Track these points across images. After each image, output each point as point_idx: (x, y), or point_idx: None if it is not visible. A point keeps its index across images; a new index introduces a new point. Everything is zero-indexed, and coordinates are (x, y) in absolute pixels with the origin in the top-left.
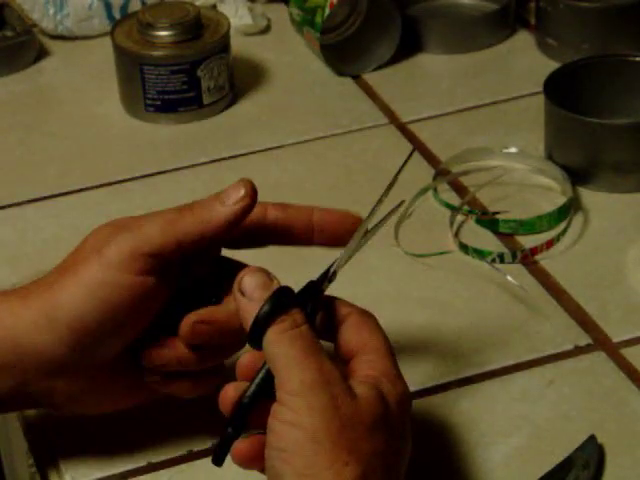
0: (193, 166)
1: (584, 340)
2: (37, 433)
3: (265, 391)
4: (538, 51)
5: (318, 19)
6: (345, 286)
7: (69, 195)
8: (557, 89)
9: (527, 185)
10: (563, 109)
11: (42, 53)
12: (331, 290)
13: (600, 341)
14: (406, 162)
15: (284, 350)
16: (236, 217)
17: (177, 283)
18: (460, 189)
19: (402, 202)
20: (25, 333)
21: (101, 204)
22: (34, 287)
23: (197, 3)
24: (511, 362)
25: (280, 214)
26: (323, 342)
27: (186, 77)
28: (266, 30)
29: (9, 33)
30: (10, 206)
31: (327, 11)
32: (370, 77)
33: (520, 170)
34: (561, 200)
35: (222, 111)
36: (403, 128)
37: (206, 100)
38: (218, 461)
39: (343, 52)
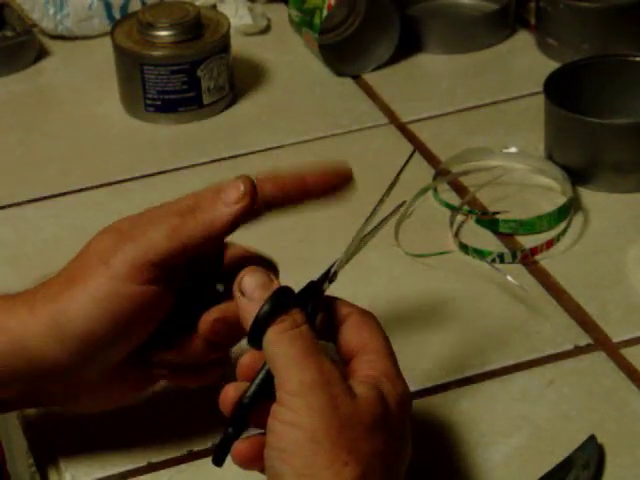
0: (193, 166)
1: (584, 340)
2: (37, 432)
3: (265, 391)
4: (538, 51)
5: (316, 20)
6: (345, 286)
7: (69, 195)
8: (557, 89)
9: (527, 185)
10: (563, 109)
11: (42, 53)
12: (331, 290)
13: (600, 341)
14: (407, 163)
15: (284, 350)
16: (238, 217)
17: (182, 284)
18: (460, 189)
19: (403, 202)
20: (34, 342)
21: (101, 204)
22: (41, 295)
23: (197, 3)
24: (511, 362)
25: (275, 189)
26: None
27: (186, 77)
28: (266, 30)
29: (9, 33)
30: (10, 206)
31: (325, 12)
32: (370, 77)
33: (520, 170)
34: (561, 200)
35: (222, 111)
36: (403, 128)
37: (206, 100)
38: (218, 461)
39: (342, 52)
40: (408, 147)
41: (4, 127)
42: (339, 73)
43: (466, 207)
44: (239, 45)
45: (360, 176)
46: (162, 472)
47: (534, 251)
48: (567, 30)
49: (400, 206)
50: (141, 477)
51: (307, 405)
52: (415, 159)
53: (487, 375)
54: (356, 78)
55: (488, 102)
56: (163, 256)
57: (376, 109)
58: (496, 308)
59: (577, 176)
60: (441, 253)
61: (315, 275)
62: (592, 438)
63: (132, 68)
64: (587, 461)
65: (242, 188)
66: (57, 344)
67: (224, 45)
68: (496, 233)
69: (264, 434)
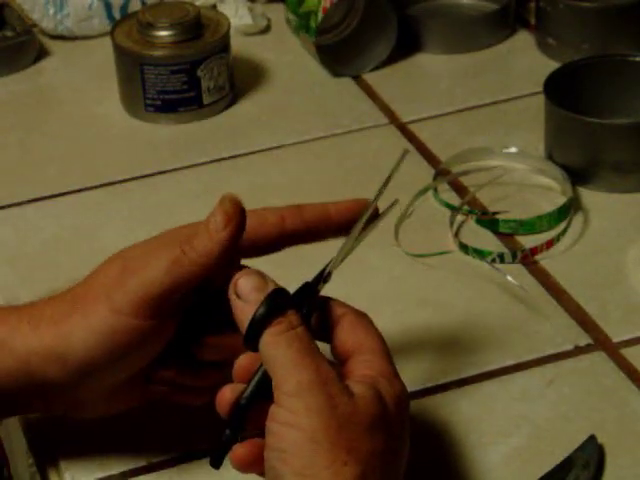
0: (193, 166)
1: (584, 340)
2: (37, 433)
3: (262, 392)
4: (538, 51)
5: (312, 24)
6: (345, 286)
7: (69, 195)
8: (557, 89)
9: (527, 185)
10: (563, 109)
11: (42, 53)
12: (331, 290)
13: (600, 341)
14: (398, 165)
15: (281, 352)
16: (230, 242)
17: (184, 314)
18: (460, 189)
19: (396, 201)
20: (36, 361)
21: (101, 204)
22: (46, 315)
23: (197, 3)
24: (511, 362)
25: (298, 220)
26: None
27: (186, 77)
28: (266, 30)
29: (9, 33)
30: (10, 206)
31: (320, 16)
32: (370, 77)
33: (520, 170)
34: (561, 200)
35: (222, 111)
36: (403, 128)
37: (206, 100)
38: (216, 463)
39: (340, 53)
40: (408, 147)
41: (4, 127)
42: (337, 74)
43: (466, 207)
44: (239, 45)
45: (360, 176)
46: (162, 472)
47: (534, 251)
48: (567, 30)
49: (393, 205)
50: (141, 477)
51: (305, 406)
52: (415, 159)
53: (487, 375)
54: (356, 78)
55: (488, 102)
56: (165, 292)
57: (376, 109)
58: (496, 308)
59: (577, 176)
60: (441, 253)
61: (312, 275)
62: (592, 438)
63: (132, 68)
64: (587, 461)
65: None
66: (58, 365)
67: (224, 45)
68: (496, 233)
69: (261, 437)
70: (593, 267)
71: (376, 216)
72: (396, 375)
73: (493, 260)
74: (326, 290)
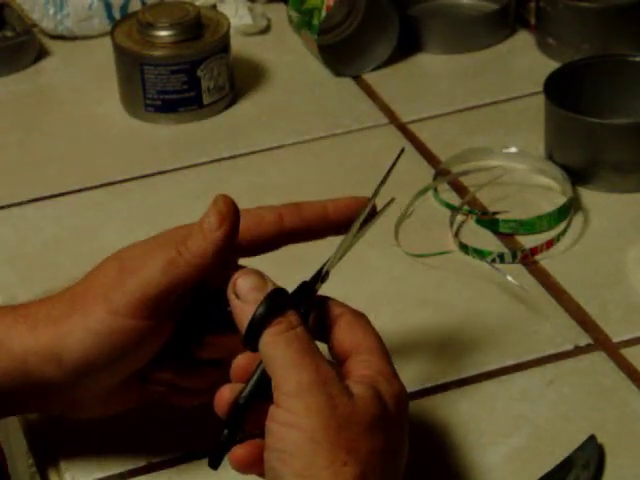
0: (193, 166)
1: (584, 340)
2: (37, 433)
3: (261, 392)
4: (538, 51)
5: (315, 21)
6: (345, 286)
7: (69, 195)
8: (557, 89)
9: (527, 185)
10: (563, 109)
11: (42, 53)
12: (331, 290)
13: (600, 341)
14: (395, 163)
15: (280, 352)
16: (225, 242)
17: (182, 313)
18: (460, 189)
19: (392, 200)
20: (33, 361)
21: (101, 204)
22: (43, 315)
23: (197, 3)
24: (511, 362)
25: (296, 219)
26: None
27: (186, 77)
28: (266, 30)
29: (9, 33)
30: (10, 206)
31: (324, 13)
32: (370, 77)
33: (520, 170)
34: (561, 200)
35: (222, 111)
36: (403, 128)
37: (206, 100)
38: (214, 464)
39: (341, 53)
40: (408, 147)
41: (4, 127)
42: (338, 74)
43: (466, 207)
44: (239, 45)
45: (360, 176)
46: (162, 472)
47: (534, 251)
48: (567, 30)
49: (389, 203)
50: (141, 477)
51: (305, 406)
52: (415, 159)
53: (487, 375)
54: (356, 78)
55: (488, 102)
56: (162, 292)
57: (376, 109)
58: (496, 308)
59: (577, 176)
60: (441, 253)
61: (309, 274)
62: (592, 438)
63: (132, 68)
64: (587, 461)
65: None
66: (55, 366)
67: (224, 45)
68: (496, 233)
69: (261, 437)
70: (593, 267)
71: (373, 214)
72: (395, 375)
73: (493, 260)
74: (326, 290)
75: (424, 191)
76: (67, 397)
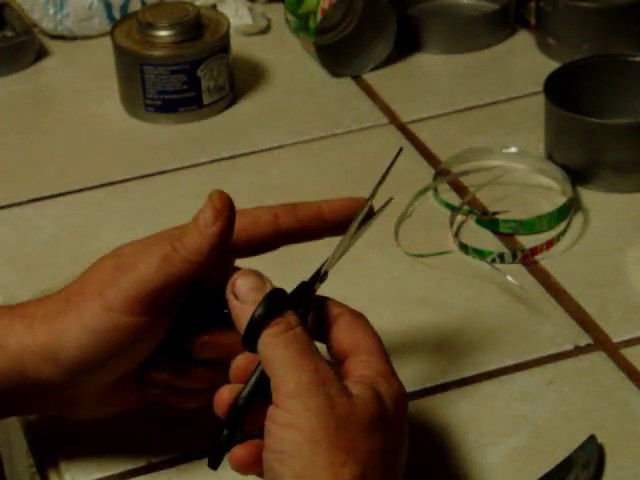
0: (193, 166)
1: (584, 340)
2: (37, 433)
3: (260, 392)
4: (538, 51)
5: (311, 24)
6: (345, 286)
7: (69, 195)
8: (557, 89)
9: (527, 185)
10: (563, 109)
11: (42, 53)
12: (331, 290)
13: (600, 341)
14: (393, 162)
15: (279, 353)
16: (220, 237)
17: (178, 311)
18: (460, 189)
19: (390, 200)
20: (30, 360)
21: (101, 204)
22: (40, 314)
23: (197, 3)
24: (511, 362)
25: (292, 219)
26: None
27: (186, 77)
28: (266, 30)
29: (9, 33)
30: (10, 206)
31: (319, 16)
32: (370, 77)
33: (520, 170)
34: (561, 200)
35: (222, 111)
36: (403, 128)
37: (206, 100)
38: (214, 464)
39: (339, 53)
40: (408, 147)
41: (4, 127)
42: (336, 74)
43: (466, 207)
44: (239, 45)
45: (360, 176)
46: (162, 472)
47: (534, 251)
48: (567, 30)
49: (387, 203)
50: (141, 477)
51: (304, 406)
52: (415, 159)
53: (487, 375)
54: (356, 78)
55: (488, 102)
56: (157, 288)
57: (376, 109)
58: (496, 308)
59: (577, 176)
60: (441, 253)
61: (308, 274)
62: (592, 438)
63: (132, 68)
64: (587, 461)
65: (218, 205)
66: (51, 364)
67: (224, 45)
68: (496, 233)
69: (260, 437)
70: (593, 267)
71: (371, 214)
72: (394, 375)
73: (493, 260)
74: (326, 290)
75: (424, 191)
76: (64, 396)
